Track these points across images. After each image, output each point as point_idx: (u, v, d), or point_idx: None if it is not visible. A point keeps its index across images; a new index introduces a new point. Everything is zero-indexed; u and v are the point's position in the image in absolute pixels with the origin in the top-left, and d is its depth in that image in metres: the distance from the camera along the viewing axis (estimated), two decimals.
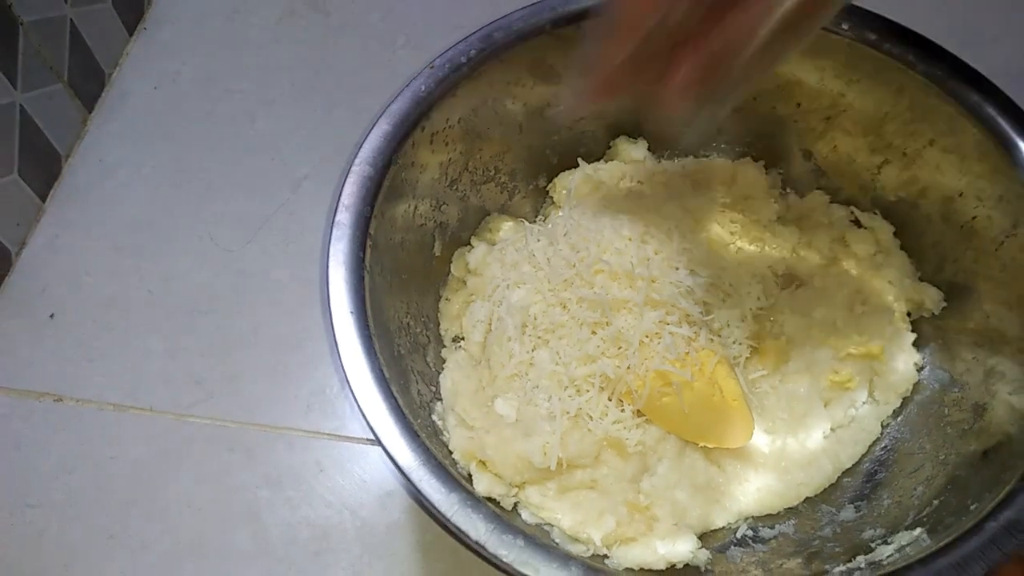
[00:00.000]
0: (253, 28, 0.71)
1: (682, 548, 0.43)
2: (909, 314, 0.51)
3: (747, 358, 0.49)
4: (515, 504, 0.45)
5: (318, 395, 0.55)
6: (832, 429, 0.49)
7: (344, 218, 0.44)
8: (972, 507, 0.38)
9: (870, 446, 0.48)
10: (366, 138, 0.46)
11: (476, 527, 0.37)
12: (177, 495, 0.51)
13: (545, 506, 0.45)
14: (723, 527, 0.46)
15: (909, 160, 0.49)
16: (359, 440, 0.53)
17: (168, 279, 0.59)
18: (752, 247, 0.53)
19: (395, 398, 0.40)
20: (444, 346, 0.51)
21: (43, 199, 0.62)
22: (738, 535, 0.46)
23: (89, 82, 0.66)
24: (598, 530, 0.43)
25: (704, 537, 0.45)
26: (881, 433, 0.48)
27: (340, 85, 0.67)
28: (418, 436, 0.39)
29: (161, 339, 0.56)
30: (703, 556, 0.43)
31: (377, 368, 0.40)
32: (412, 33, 0.69)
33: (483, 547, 0.36)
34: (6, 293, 0.58)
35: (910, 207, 0.51)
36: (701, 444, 0.46)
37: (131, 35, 0.70)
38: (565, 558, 0.36)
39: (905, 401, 0.49)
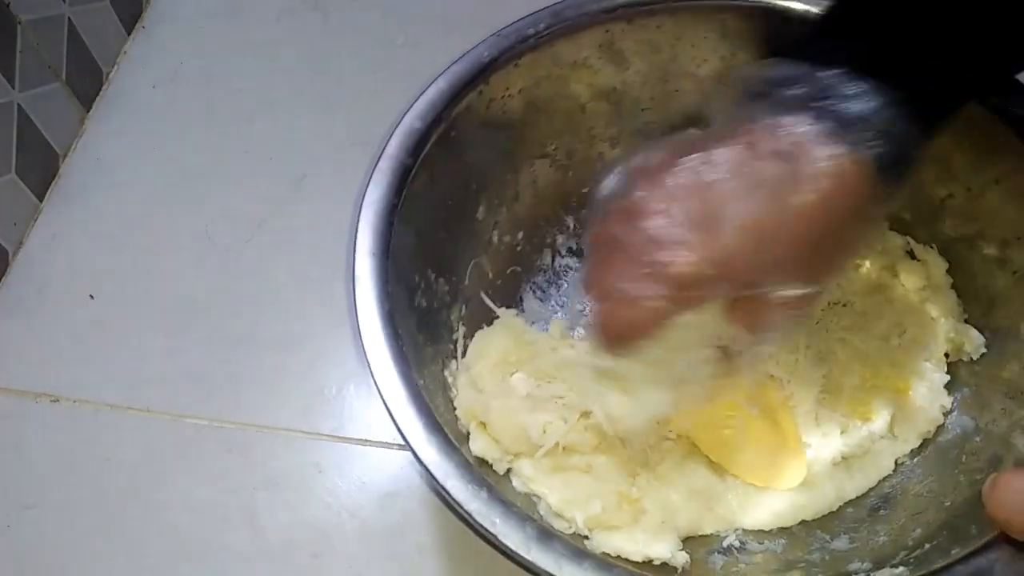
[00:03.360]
0: (252, 27, 0.71)
1: (663, 547, 0.42)
2: (947, 355, 0.49)
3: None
4: (508, 471, 0.45)
5: (317, 396, 0.55)
6: (844, 457, 0.47)
7: (385, 165, 0.44)
8: (954, 552, 0.36)
9: (879, 481, 0.46)
10: (422, 93, 0.46)
11: (445, 470, 0.37)
12: (174, 496, 0.52)
13: (536, 479, 0.45)
14: (711, 533, 0.46)
15: (973, 197, 0.47)
16: (358, 441, 0.53)
17: (166, 278, 0.59)
18: None
19: (399, 338, 0.40)
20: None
21: (40, 198, 0.62)
22: (724, 543, 0.45)
23: (87, 81, 0.66)
24: (583, 511, 0.43)
25: (689, 539, 0.45)
26: (894, 470, 0.47)
27: (339, 84, 0.67)
28: (412, 376, 0.39)
29: (159, 339, 0.57)
30: (682, 558, 0.43)
31: (386, 309, 0.40)
32: (411, 33, 0.69)
33: (447, 491, 0.36)
34: (3, 293, 0.59)
35: (967, 247, 0.48)
36: (749, 481, 0.45)
37: (129, 34, 0.71)
38: (522, 516, 0.36)
39: (925, 442, 0.47)
